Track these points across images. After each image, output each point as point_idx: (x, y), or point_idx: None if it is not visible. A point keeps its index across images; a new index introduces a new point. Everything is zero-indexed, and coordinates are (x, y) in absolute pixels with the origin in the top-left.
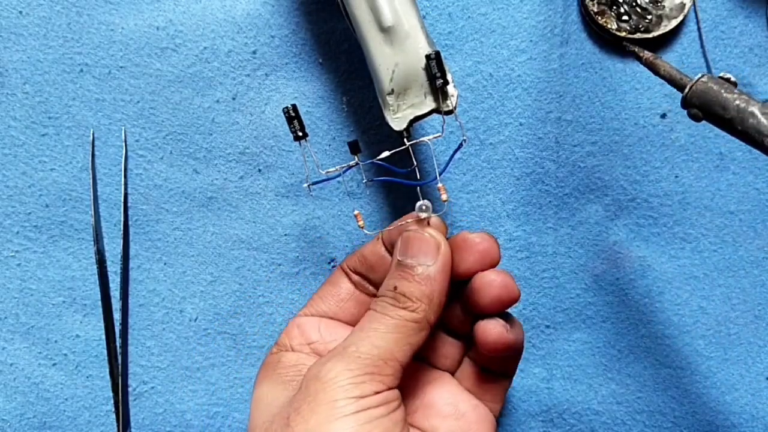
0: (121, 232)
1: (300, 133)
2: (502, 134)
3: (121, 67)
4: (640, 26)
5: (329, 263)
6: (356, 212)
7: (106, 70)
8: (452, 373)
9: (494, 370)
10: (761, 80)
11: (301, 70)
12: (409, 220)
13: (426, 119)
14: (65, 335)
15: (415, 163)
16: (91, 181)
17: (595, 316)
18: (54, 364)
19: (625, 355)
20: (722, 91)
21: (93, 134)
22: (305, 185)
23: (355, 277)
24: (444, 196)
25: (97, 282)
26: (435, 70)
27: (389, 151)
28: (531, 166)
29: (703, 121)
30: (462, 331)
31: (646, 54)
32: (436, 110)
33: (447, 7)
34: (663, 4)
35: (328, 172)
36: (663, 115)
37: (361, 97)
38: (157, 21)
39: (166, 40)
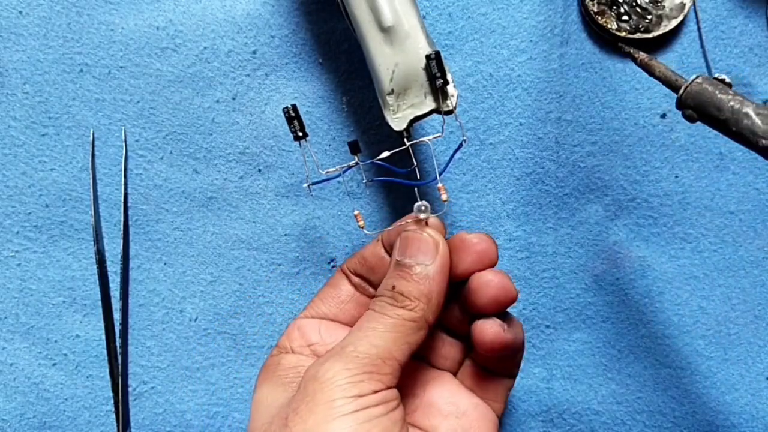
0: (121, 232)
1: (300, 133)
2: (502, 134)
3: (121, 67)
4: (640, 26)
5: (329, 263)
6: (356, 212)
7: (106, 70)
8: (454, 374)
9: (494, 369)
10: (761, 80)
11: (301, 70)
12: (408, 221)
13: (426, 119)
14: (65, 335)
15: (415, 163)
16: (91, 181)
17: (595, 316)
18: (54, 364)
19: (625, 355)
20: (717, 92)
21: (93, 134)
22: (305, 185)
23: (356, 279)
24: (444, 196)
25: (97, 282)
26: (435, 70)
27: (389, 151)
28: (531, 166)
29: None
30: (462, 332)
31: (641, 55)
32: (436, 110)
33: (447, 7)
34: (663, 4)
35: (328, 172)
36: (663, 115)
37: (361, 97)
38: (157, 21)
39: (166, 40)
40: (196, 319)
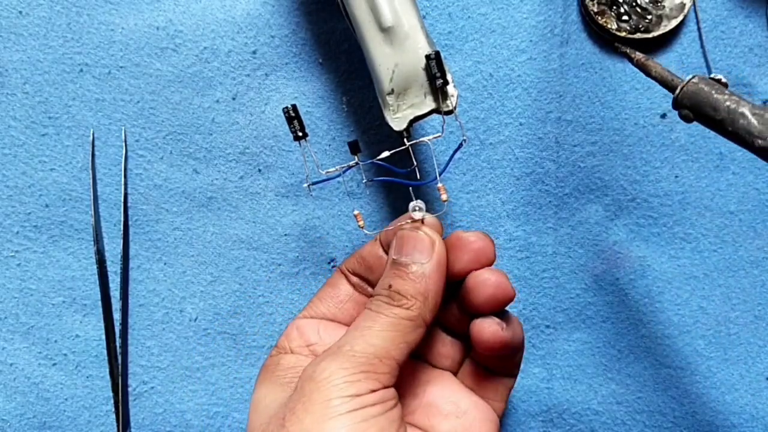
0: (121, 232)
1: (300, 133)
2: (502, 134)
3: (121, 67)
4: (640, 26)
5: (329, 263)
6: (356, 212)
7: (106, 70)
8: (454, 374)
9: (495, 369)
10: (761, 80)
11: (301, 70)
12: (407, 221)
13: (426, 119)
14: (65, 335)
15: (415, 163)
16: (91, 181)
17: (595, 316)
18: (54, 364)
19: (625, 355)
20: (713, 92)
21: (93, 134)
22: (305, 185)
23: (354, 279)
24: (444, 196)
25: (97, 282)
26: (435, 70)
27: (389, 151)
28: (531, 166)
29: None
30: (462, 331)
31: (638, 55)
32: (436, 110)
33: (447, 7)
34: (663, 4)
35: (328, 172)
36: (663, 115)
37: (361, 97)
38: (157, 21)
39: (166, 40)
40: (196, 319)
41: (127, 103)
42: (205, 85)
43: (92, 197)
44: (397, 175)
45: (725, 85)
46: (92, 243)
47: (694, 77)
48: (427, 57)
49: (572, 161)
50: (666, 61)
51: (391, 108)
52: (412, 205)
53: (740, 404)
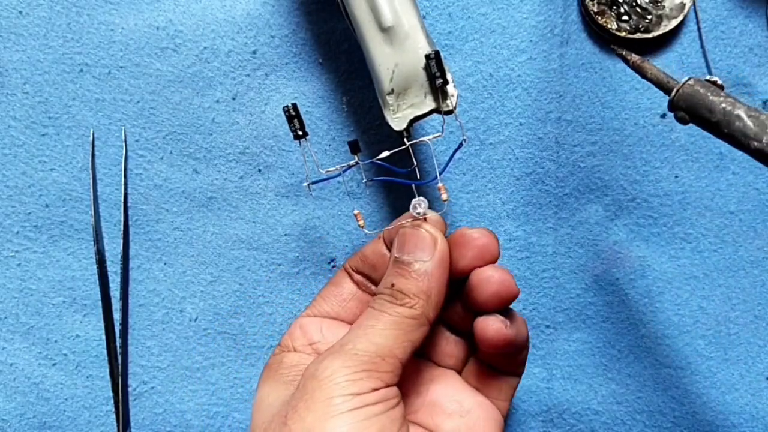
0: (121, 232)
1: (300, 132)
2: (502, 134)
3: (121, 67)
4: (640, 26)
5: (329, 263)
6: (356, 212)
7: (106, 70)
8: (458, 372)
9: (499, 367)
10: (761, 80)
11: (301, 70)
12: (408, 220)
13: (426, 119)
14: (65, 335)
15: (415, 163)
16: (91, 181)
17: (595, 316)
18: (54, 364)
19: (625, 355)
20: (709, 94)
21: (93, 134)
22: (305, 184)
23: (358, 277)
24: (444, 196)
25: (97, 282)
26: (434, 69)
27: (389, 150)
28: (531, 166)
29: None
30: (466, 329)
31: (633, 57)
32: (436, 110)
33: (447, 7)
34: (663, 4)
35: (328, 171)
36: (663, 115)
37: (361, 97)
38: (157, 21)
39: (166, 40)
40: (196, 319)
41: (127, 103)
42: (205, 85)
43: (92, 197)
44: (397, 174)
45: (721, 87)
46: (92, 243)
47: (689, 79)
48: (427, 57)
49: (572, 161)
50: (666, 61)
51: (391, 108)
52: (414, 201)
53: (740, 404)
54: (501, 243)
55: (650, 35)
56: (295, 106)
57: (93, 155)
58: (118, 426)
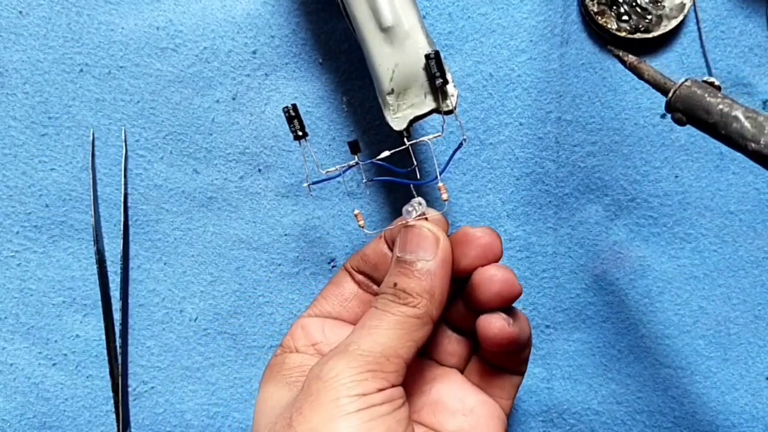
0: (121, 232)
1: (300, 133)
2: (502, 134)
3: (121, 67)
4: (640, 26)
5: (329, 263)
6: (356, 212)
7: (106, 70)
8: (461, 371)
9: (502, 366)
10: (761, 80)
11: (301, 70)
12: (412, 217)
13: (426, 119)
14: (65, 335)
15: (415, 162)
16: (91, 181)
17: (595, 316)
18: (54, 364)
19: (625, 355)
20: (706, 95)
21: (93, 134)
22: (305, 185)
23: (359, 277)
24: (444, 196)
25: (97, 282)
26: (434, 69)
27: (389, 150)
28: (531, 166)
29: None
30: (468, 328)
31: (630, 58)
32: (436, 110)
33: (447, 7)
34: (663, 4)
35: (328, 171)
36: (663, 115)
37: (361, 97)
38: (157, 21)
39: (166, 40)
40: (196, 319)
41: (127, 103)
42: (205, 85)
43: (92, 197)
44: (398, 174)
45: (718, 88)
46: (92, 243)
47: (686, 80)
48: (427, 56)
49: (572, 161)
50: (666, 61)
51: (391, 108)
52: (407, 207)
53: (740, 404)
54: None
55: (650, 35)
56: (294, 106)
57: (93, 155)
58: (118, 426)
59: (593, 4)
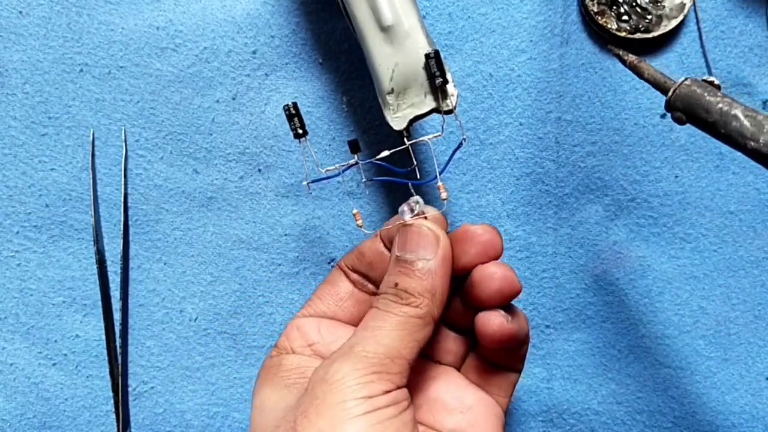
0: (121, 232)
1: (300, 131)
2: (502, 134)
3: (121, 67)
4: (640, 26)
5: (329, 263)
6: (355, 211)
7: (106, 70)
8: (457, 369)
9: (499, 363)
10: (761, 80)
11: (301, 70)
12: (406, 217)
13: (426, 119)
14: (65, 335)
15: (414, 162)
16: (91, 181)
17: (595, 316)
18: (54, 364)
19: (625, 355)
20: (705, 94)
21: (93, 134)
22: (305, 183)
23: (354, 276)
24: (444, 195)
25: (97, 282)
26: (434, 69)
27: (389, 150)
28: (531, 166)
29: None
30: (464, 326)
31: (630, 57)
32: (436, 110)
33: (447, 7)
34: (663, 4)
35: (327, 170)
36: (663, 115)
37: (361, 97)
38: (157, 21)
39: (166, 40)
40: (196, 319)
41: (127, 103)
42: (205, 85)
43: (92, 197)
44: (397, 174)
45: (718, 87)
46: (92, 243)
47: (686, 79)
48: (427, 56)
49: (572, 161)
50: (666, 61)
51: (391, 107)
52: (404, 207)
53: (740, 404)
54: None
55: (650, 35)
56: (295, 104)
57: (93, 155)
58: (118, 426)
59: (593, 4)
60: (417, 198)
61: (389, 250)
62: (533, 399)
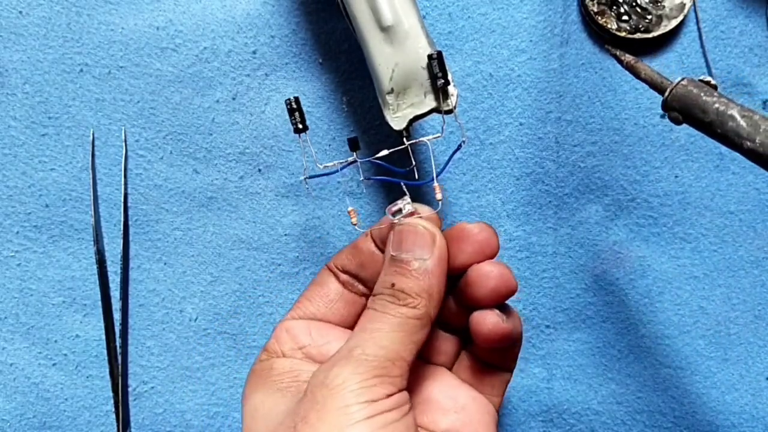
0: (121, 232)
1: (300, 126)
2: (502, 134)
3: (121, 67)
4: (640, 26)
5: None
6: (350, 209)
7: (106, 70)
8: (449, 368)
9: (493, 363)
10: (761, 80)
11: (301, 70)
12: (397, 217)
13: (426, 119)
14: (65, 335)
15: (413, 162)
16: (91, 181)
17: (595, 316)
18: (54, 364)
19: (625, 355)
20: (702, 94)
21: (93, 134)
22: (302, 178)
23: (344, 277)
24: (438, 196)
25: (97, 282)
26: (437, 69)
27: (388, 149)
28: (531, 166)
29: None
30: (457, 325)
31: (627, 57)
32: (436, 110)
33: (447, 7)
34: (663, 4)
35: (325, 166)
36: (663, 115)
37: (361, 97)
38: (157, 21)
39: (166, 40)
40: (196, 319)
41: (127, 103)
42: (205, 85)
43: (92, 197)
44: (396, 174)
45: (714, 87)
46: (92, 243)
47: (683, 79)
48: (430, 57)
49: (572, 161)
50: (666, 61)
51: (390, 107)
52: (400, 201)
53: (740, 404)
54: (501, 243)
55: (650, 35)
56: (297, 99)
57: (93, 155)
58: (118, 426)
59: (593, 4)
60: (406, 198)
61: (380, 250)
62: (533, 399)
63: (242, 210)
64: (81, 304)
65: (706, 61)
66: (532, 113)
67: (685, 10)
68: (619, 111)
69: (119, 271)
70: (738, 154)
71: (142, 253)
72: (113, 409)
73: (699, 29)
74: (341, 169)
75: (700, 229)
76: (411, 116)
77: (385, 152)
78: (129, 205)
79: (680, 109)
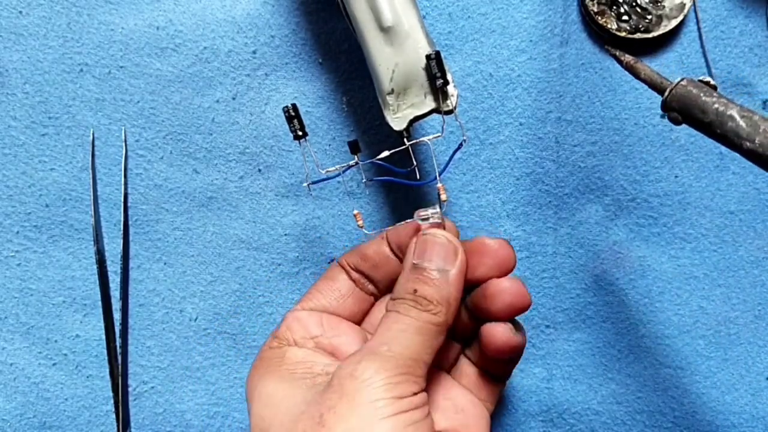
0: (121, 232)
1: (300, 133)
2: (502, 134)
3: (121, 67)
4: (640, 26)
5: (329, 263)
6: (355, 212)
7: (106, 70)
8: (448, 373)
9: (496, 372)
10: (761, 80)
11: (301, 70)
12: (424, 224)
13: (426, 119)
14: (65, 335)
15: (414, 163)
16: (91, 181)
17: (595, 316)
18: (54, 364)
19: (625, 355)
20: (701, 94)
21: (93, 134)
22: (305, 184)
23: (356, 275)
24: (443, 196)
25: (97, 282)
26: (435, 69)
27: (389, 150)
28: (531, 166)
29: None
30: (461, 333)
31: (627, 57)
32: (436, 110)
33: (447, 7)
34: (663, 4)
35: (327, 171)
36: (663, 115)
37: (361, 97)
38: (157, 21)
39: (166, 40)
40: (196, 319)
41: (127, 103)
42: (205, 85)
43: (92, 197)
44: (397, 174)
45: (714, 88)
46: (92, 243)
47: (682, 80)
48: (428, 57)
49: (572, 161)
50: (666, 61)
51: (391, 108)
52: (430, 209)
53: (740, 404)
54: None
55: (650, 35)
56: (294, 106)
57: (93, 155)
58: (118, 426)
59: (593, 4)
60: (436, 208)
61: (395, 253)
62: (533, 399)
63: (242, 210)
64: (81, 304)
65: (706, 61)
66: (532, 113)
67: (685, 10)
68: (619, 111)
69: (119, 271)
70: (737, 155)
71: (142, 253)
72: (113, 409)
73: (699, 29)
74: (343, 172)
75: (700, 229)
76: (411, 117)
77: (386, 153)
78: (129, 205)
79: (680, 110)
